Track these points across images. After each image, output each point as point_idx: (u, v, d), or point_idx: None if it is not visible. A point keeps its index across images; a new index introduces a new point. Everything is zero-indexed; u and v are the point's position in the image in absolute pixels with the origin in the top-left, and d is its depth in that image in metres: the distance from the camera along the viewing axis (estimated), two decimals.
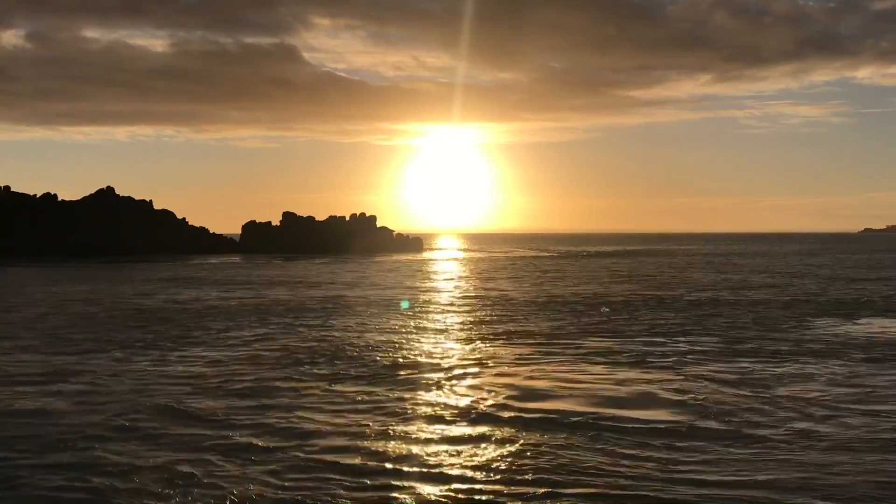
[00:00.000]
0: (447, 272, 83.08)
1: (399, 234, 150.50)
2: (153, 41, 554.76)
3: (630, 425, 16.96)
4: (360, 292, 53.65)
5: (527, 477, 13.51)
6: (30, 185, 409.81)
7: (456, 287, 60.28)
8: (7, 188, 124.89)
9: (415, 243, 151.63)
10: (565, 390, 20.73)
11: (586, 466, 14.07)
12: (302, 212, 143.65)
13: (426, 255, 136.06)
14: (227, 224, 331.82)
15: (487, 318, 38.18)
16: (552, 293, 53.12)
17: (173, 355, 26.70)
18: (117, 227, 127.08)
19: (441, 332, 33.27)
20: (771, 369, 23.78)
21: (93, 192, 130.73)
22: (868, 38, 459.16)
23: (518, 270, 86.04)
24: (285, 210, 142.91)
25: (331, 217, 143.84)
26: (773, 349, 27.79)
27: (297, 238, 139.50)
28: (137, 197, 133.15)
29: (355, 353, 27.02)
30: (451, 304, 45.70)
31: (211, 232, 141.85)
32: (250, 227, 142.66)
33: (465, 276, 75.33)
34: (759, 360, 25.56)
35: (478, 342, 29.99)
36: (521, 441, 15.75)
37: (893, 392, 20.44)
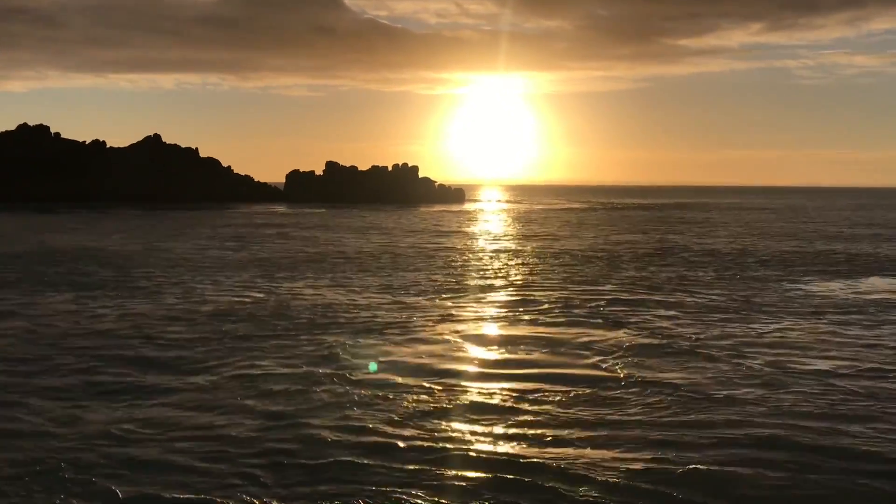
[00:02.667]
0: (484, 225, 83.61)
1: (441, 185, 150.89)
2: None
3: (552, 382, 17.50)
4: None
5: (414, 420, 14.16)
6: (79, 131, 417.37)
7: (489, 241, 60.84)
8: (57, 134, 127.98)
9: (457, 194, 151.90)
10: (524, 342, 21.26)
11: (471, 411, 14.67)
12: (345, 161, 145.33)
13: (467, 206, 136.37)
14: (271, 173, 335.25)
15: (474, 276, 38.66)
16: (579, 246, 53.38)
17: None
18: (164, 175, 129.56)
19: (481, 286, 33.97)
20: (722, 327, 23.89)
21: (140, 139, 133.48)
22: None
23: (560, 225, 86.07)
24: (328, 159, 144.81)
25: (373, 167, 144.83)
26: (743, 307, 27.81)
27: (340, 187, 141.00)
28: (183, 145, 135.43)
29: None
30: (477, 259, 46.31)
31: (255, 180, 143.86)
32: (294, 176, 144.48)
33: (500, 231, 75.67)
34: (722, 318, 25.66)
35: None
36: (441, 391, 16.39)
37: (828, 353, 20.46)
